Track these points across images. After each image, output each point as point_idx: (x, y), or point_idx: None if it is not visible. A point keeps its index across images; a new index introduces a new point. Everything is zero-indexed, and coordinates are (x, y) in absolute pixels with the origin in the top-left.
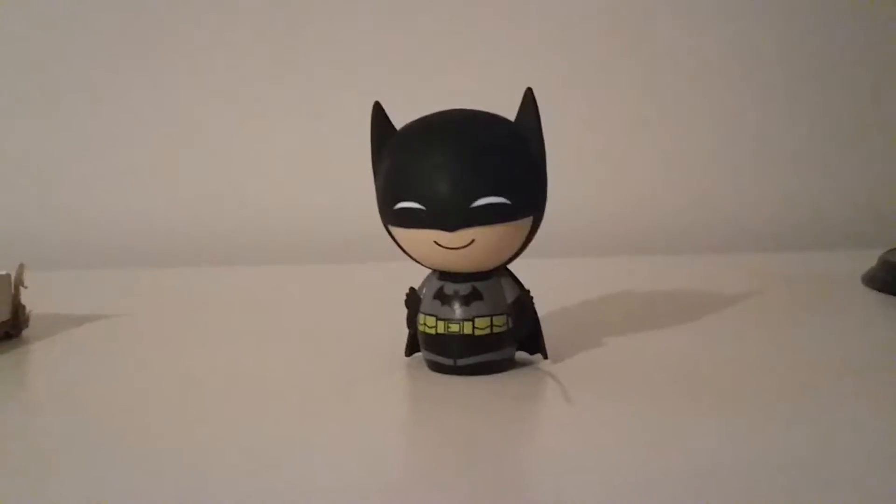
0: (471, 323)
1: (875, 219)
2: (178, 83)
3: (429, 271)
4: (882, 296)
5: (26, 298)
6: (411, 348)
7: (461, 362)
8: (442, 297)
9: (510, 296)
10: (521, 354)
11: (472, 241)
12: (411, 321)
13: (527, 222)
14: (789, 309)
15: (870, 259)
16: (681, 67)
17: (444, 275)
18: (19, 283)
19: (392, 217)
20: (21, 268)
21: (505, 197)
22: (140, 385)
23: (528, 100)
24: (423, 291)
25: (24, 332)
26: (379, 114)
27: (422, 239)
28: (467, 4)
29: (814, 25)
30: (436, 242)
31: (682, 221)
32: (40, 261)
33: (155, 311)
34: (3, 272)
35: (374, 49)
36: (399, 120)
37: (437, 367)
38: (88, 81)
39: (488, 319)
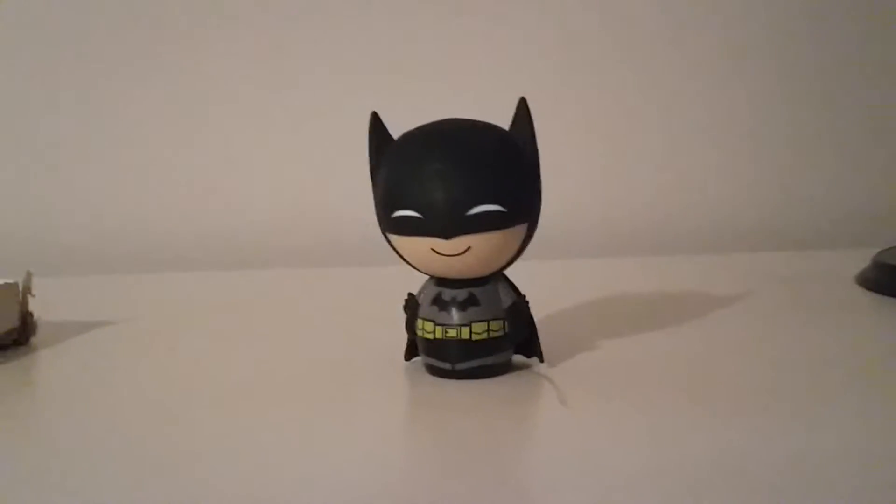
0: (468, 328)
1: (868, 219)
2: (181, 89)
3: (426, 277)
4: (875, 296)
5: (33, 306)
6: (410, 353)
7: (459, 366)
8: (440, 302)
9: (506, 301)
10: (517, 358)
11: (469, 248)
12: (410, 326)
13: (521, 229)
14: (784, 309)
15: (863, 259)
16: (674, 69)
17: (441, 280)
18: (27, 290)
19: (390, 225)
20: (29, 276)
21: (500, 205)
22: (145, 391)
23: (522, 109)
24: (422, 297)
25: (32, 340)
26: (376, 123)
27: (419, 246)
28: (464, 13)
29: (810, 24)
30: (433, 250)
31: (677, 222)
32: (46, 267)
33: (159, 317)
34: (11, 280)
35: (372, 56)
36: (397, 129)
37: (435, 372)
38: (95, 87)
39: (485, 324)
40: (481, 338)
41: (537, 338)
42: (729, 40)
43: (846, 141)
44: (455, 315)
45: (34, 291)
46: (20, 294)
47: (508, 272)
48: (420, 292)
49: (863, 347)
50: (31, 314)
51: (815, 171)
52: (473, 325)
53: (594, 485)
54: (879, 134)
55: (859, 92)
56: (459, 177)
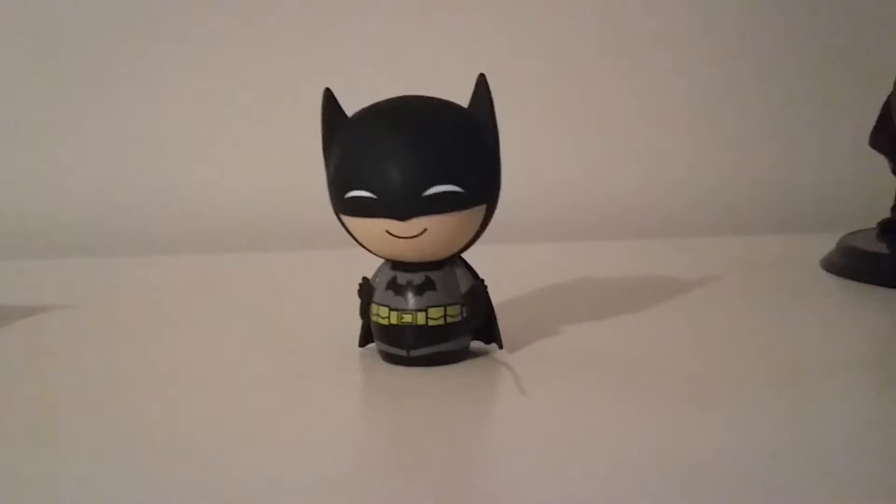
0: (424, 313)
1: (833, 203)
2: (140, 69)
3: (381, 260)
4: (840, 280)
5: None
6: (365, 339)
7: (415, 353)
8: (395, 287)
9: (464, 285)
10: (475, 344)
11: (425, 230)
12: (364, 311)
13: (480, 210)
14: (749, 294)
15: (828, 243)
16: (645, 52)
17: (396, 264)
18: None
19: (343, 206)
20: None
21: (458, 185)
22: (88, 379)
23: (482, 86)
24: (376, 281)
25: None
26: (330, 100)
27: (373, 228)
28: None
29: (779, 10)
30: (388, 232)
31: (640, 208)
32: None
33: (106, 302)
34: None
35: (329, 32)
36: (352, 107)
37: (390, 359)
38: (54, 72)
39: (442, 309)
40: (438, 323)
41: (496, 323)
42: (702, 28)
43: (812, 126)
44: (411, 300)
45: None
46: None
47: (466, 255)
48: (375, 276)
49: (829, 331)
50: None
51: (781, 156)
52: (430, 310)
53: (552, 472)
54: (844, 119)
55: (827, 79)
56: (415, 156)
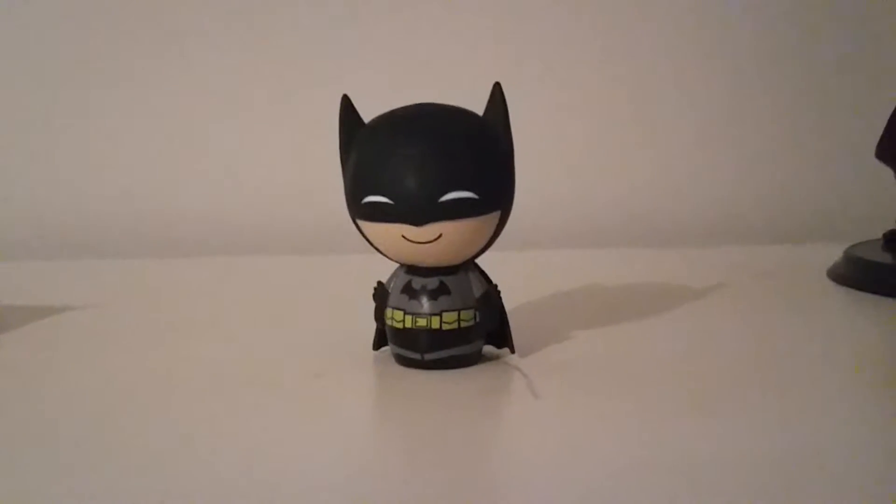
0: (438, 317)
1: (840, 213)
2: (151, 72)
3: (396, 265)
4: (846, 290)
5: None
6: (379, 342)
7: (428, 356)
8: (409, 291)
9: (477, 290)
10: (488, 348)
11: (440, 235)
12: (379, 315)
13: (495, 216)
14: (756, 303)
15: (834, 253)
16: (658, 63)
17: (411, 269)
18: None
19: (360, 211)
20: None
21: (473, 191)
22: (107, 379)
23: (497, 94)
24: (391, 285)
25: None
26: (347, 107)
27: (389, 233)
28: None
29: (786, 21)
30: (403, 237)
31: (649, 216)
32: (4, 252)
33: (123, 304)
34: None
35: (345, 39)
36: (369, 113)
37: (404, 362)
38: (59, 75)
39: (456, 314)
40: (452, 327)
41: (509, 328)
42: (708, 39)
43: (819, 137)
44: (425, 304)
45: None
46: None
47: (479, 260)
48: (390, 280)
49: (834, 341)
50: None
51: (788, 166)
52: (444, 314)
53: (565, 477)
54: (851, 130)
55: (833, 90)
56: (432, 162)
